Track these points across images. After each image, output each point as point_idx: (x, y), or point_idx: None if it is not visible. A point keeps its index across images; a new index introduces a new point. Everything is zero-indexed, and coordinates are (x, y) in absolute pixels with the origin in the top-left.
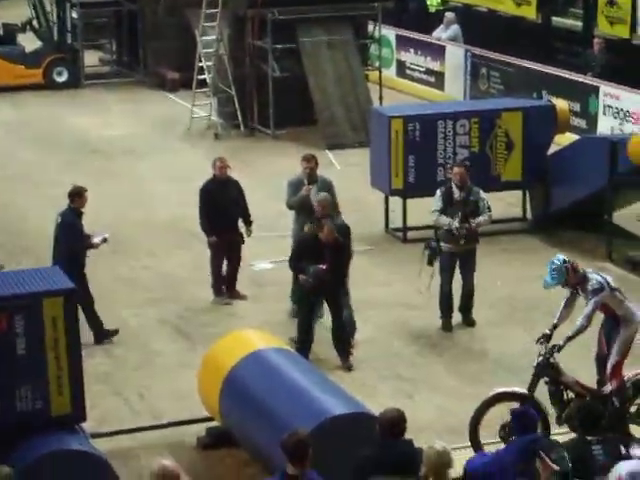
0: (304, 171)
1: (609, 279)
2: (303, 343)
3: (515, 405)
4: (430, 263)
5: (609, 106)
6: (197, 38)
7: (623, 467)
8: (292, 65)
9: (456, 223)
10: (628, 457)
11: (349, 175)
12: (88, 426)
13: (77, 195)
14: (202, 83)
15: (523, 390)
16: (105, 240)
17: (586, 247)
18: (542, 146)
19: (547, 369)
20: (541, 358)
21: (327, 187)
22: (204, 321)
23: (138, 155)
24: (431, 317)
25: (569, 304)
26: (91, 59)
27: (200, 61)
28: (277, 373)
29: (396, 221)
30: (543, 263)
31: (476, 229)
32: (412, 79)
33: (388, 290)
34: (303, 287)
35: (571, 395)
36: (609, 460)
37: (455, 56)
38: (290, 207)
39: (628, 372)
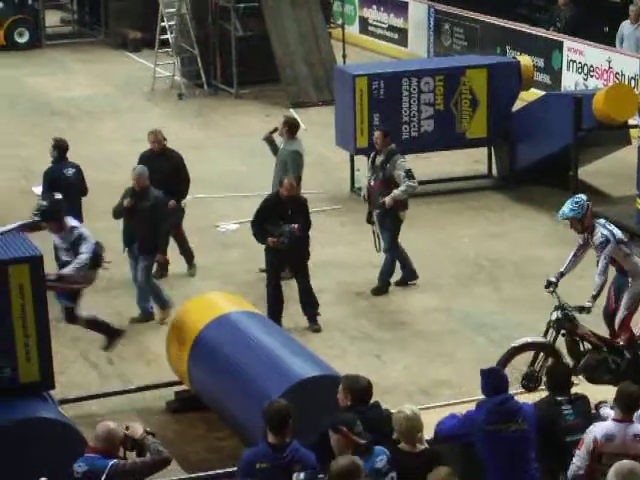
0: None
1: (615, 231)
2: (275, 309)
3: (541, 354)
4: (368, 221)
5: (573, 61)
6: None
7: (598, 429)
8: (255, 24)
9: (365, 191)
10: (598, 417)
11: (314, 134)
12: (56, 392)
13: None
14: (165, 43)
15: (545, 340)
16: None
17: (552, 203)
18: (507, 103)
19: (566, 323)
20: (558, 312)
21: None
22: (170, 283)
23: (100, 116)
24: (397, 277)
25: (579, 254)
26: (52, 19)
27: (162, 21)
28: (245, 336)
29: (361, 180)
30: (509, 220)
31: (391, 201)
32: (375, 36)
33: (354, 249)
34: (276, 249)
35: (588, 346)
36: (579, 420)
37: (418, 12)
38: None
39: None
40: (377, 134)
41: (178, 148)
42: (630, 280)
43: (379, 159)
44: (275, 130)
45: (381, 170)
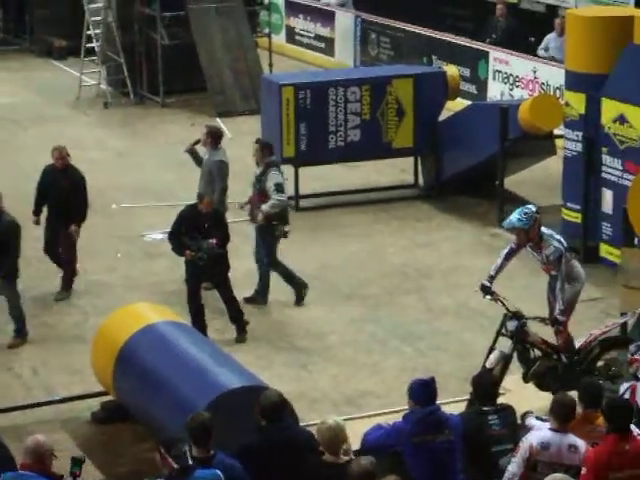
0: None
1: (562, 240)
2: (198, 320)
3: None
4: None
5: (499, 71)
6: (85, 6)
7: (534, 436)
8: (181, 33)
9: (243, 203)
10: (523, 427)
11: (240, 143)
12: None
13: None
14: (90, 51)
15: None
16: None
17: (479, 213)
18: (433, 113)
19: (520, 333)
20: (515, 322)
21: None
22: (96, 292)
23: (25, 124)
24: (323, 286)
25: (509, 257)
26: None
27: (88, 29)
28: (172, 347)
29: (288, 190)
30: (435, 230)
31: (262, 216)
32: (302, 45)
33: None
34: (195, 264)
35: (538, 353)
36: (505, 430)
37: (345, 22)
38: None
39: (596, 330)
40: (255, 147)
41: (104, 157)
42: (566, 284)
43: (258, 171)
44: (197, 142)
45: (258, 183)
